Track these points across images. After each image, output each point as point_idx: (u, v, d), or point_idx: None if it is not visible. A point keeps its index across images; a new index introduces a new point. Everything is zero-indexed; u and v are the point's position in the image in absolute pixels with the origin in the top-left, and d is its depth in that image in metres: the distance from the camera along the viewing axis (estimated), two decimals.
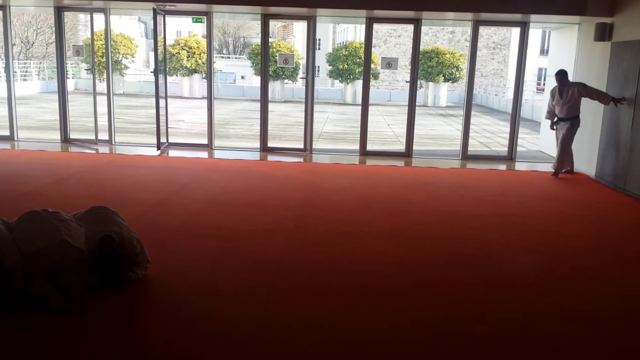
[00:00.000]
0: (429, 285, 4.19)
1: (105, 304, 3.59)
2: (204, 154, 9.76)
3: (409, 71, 10.26)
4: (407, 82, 10.29)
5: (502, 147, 12.40)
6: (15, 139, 10.45)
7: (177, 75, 28.62)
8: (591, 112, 8.76)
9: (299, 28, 45.58)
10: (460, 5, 8.95)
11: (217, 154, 9.79)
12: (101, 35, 14.05)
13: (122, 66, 29.14)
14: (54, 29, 10.56)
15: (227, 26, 52.52)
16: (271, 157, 9.69)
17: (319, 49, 38.39)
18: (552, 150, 10.41)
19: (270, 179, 7.83)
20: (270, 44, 10.28)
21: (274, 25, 46.81)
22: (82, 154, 9.45)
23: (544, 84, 18.52)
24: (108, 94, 10.33)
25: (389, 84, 36.63)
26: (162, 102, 9.82)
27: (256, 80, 30.90)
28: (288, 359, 3.07)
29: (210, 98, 10.31)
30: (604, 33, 8.58)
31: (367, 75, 10.20)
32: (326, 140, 13.28)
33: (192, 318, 3.47)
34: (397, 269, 4.49)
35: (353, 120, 17.88)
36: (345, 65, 28.70)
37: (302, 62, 24.60)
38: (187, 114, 18.57)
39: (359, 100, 10.96)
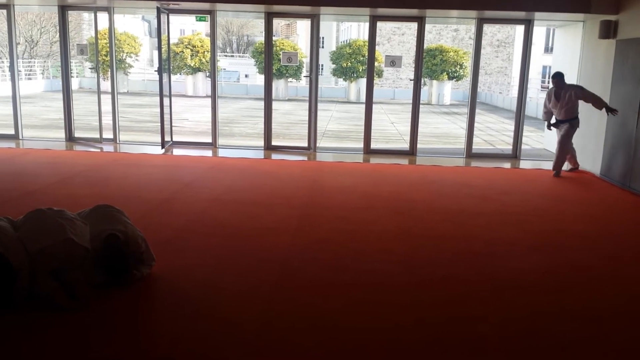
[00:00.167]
0: (433, 284, 4.19)
1: (110, 303, 3.60)
2: (208, 153, 9.77)
3: (413, 69, 10.25)
4: (411, 80, 10.28)
5: (506, 145, 12.38)
6: (20, 137, 10.49)
7: (181, 74, 28.66)
8: (596, 110, 8.73)
9: (303, 26, 45.57)
10: (464, 3, 8.93)
11: (221, 153, 9.80)
12: (105, 34, 14.09)
13: (126, 65, 29.20)
14: (58, 27, 10.58)
15: (230, 25, 52.51)
16: (275, 156, 9.69)
17: (323, 47, 38.37)
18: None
19: (274, 178, 7.83)
20: (274, 43, 10.27)
21: (278, 23, 46.80)
22: (87, 153, 9.48)
23: (548, 82, 18.47)
24: (112, 93, 10.34)
25: (392, 82, 36.57)
26: (166, 101, 9.83)
27: (260, 79, 30.93)
28: (291, 358, 3.07)
29: (214, 96, 10.32)
30: (608, 30, 8.54)
31: (371, 73, 10.19)
32: (330, 139, 13.27)
33: (196, 317, 3.48)
34: (402, 267, 4.49)
35: (357, 118, 17.86)
36: (349, 64, 28.67)
37: (306, 60, 24.60)
38: (191, 113, 18.59)
39: (363, 98, 10.95)
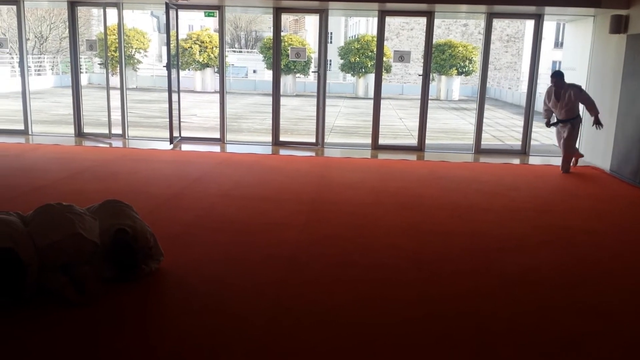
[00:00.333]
0: (441, 279, 4.18)
1: (118, 297, 3.62)
2: (216, 148, 9.79)
3: (422, 64, 10.21)
4: (419, 75, 10.24)
5: (515, 141, 12.31)
6: (30, 133, 10.55)
7: (189, 70, 28.67)
8: (607, 106, 8.66)
9: (311, 21, 45.47)
10: None
11: (230, 148, 9.81)
12: (114, 29, 14.12)
13: (135, 60, 29.24)
14: (67, 23, 10.62)
15: (239, 20, 52.49)
16: (283, 151, 9.69)
17: (331, 42, 38.31)
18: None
19: (282, 173, 7.83)
20: (282, 38, 10.27)
21: (286, 19, 46.72)
22: (96, 148, 9.52)
23: None
24: (121, 89, 10.38)
25: (401, 78, 36.45)
26: (174, 97, 9.84)
27: (268, 74, 30.93)
28: (299, 354, 3.08)
29: (222, 92, 10.33)
30: (619, 25, 8.46)
31: (380, 68, 10.15)
32: (338, 134, 13.26)
33: (204, 312, 3.49)
34: (410, 262, 4.49)
35: (365, 114, 17.82)
36: (357, 59, 28.60)
37: (314, 55, 24.55)
38: (200, 108, 18.62)
39: (371, 94, 10.92)
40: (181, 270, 4.11)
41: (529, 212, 6.15)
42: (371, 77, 25.46)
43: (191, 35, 29.08)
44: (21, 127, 10.62)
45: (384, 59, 10.43)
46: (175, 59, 10.13)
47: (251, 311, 3.52)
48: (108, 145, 9.76)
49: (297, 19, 49.24)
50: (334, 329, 3.34)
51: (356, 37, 32.75)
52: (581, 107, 8.42)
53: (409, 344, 3.20)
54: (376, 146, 10.18)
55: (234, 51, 46.08)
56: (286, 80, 27.39)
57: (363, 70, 28.63)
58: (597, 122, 8.03)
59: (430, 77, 10.09)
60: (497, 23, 31.95)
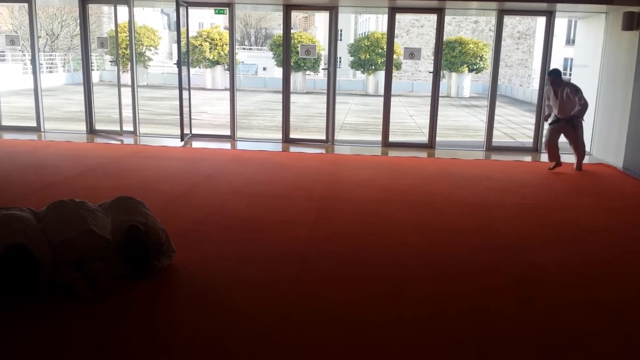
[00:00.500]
0: (450, 277, 4.16)
1: (130, 294, 3.64)
2: (226, 145, 9.82)
3: (432, 61, 10.17)
4: (430, 72, 10.20)
5: (527, 139, 12.24)
6: (42, 130, 10.62)
7: (199, 67, 28.76)
8: (619, 103, 8.60)
9: (321, 19, 45.44)
10: None
11: (240, 145, 9.83)
12: (125, 27, 14.18)
13: (146, 58, 29.37)
14: (78, 21, 10.68)
15: (249, 17, 52.54)
16: (293, 149, 9.70)
17: (341, 39, 38.21)
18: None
19: (292, 171, 7.84)
20: (292, 35, 10.27)
21: (296, 16, 46.72)
22: (108, 145, 9.57)
23: (570, 75, 18.22)
24: (132, 86, 10.43)
25: (411, 75, 36.35)
26: (185, 94, 9.88)
27: (278, 72, 30.90)
28: (310, 351, 3.08)
29: (232, 89, 10.35)
30: (631, 22, 8.38)
31: (390, 65, 10.13)
32: (348, 132, 13.25)
33: (215, 309, 3.50)
34: (420, 260, 4.48)
35: (375, 111, 17.80)
36: (367, 56, 28.55)
37: (324, 53, 24.50)
38: (210, 106, 18.68)
39: (381, 91, 10.90)
40: (192, 267, 4.13)
41: (540, 210, 6.12)
42: (381, 74, 25.40)
43: (201, 32, 29.18)
44: (33, 124, 10.70)
45: (394, 56, 10.40)
46: (186, 57, 10.17)
47: (262, 308, 3.53)
48: (119, 142, 9.81)
49: (306, 16, 49.22)
50: (344, 326, 3.34)
51: (366, 34, 32.67)
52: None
53: (418, 342, 3.19)
54: (386, 143, 10.17)
55: (244, 48, 46.12)
56: (296, 78, 27.41)
57: (373, 67, 28.58)
58: (569, 119, 7.92)
59: (441, 74, 10.05)
60: (508, 20, 31.76)
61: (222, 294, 3.73)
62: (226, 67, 27.16)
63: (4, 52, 24.30)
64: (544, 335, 3.32)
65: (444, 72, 28.88)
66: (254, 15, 52.19)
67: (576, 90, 7.96)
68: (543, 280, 4.17)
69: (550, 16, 9.59)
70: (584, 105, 7.92)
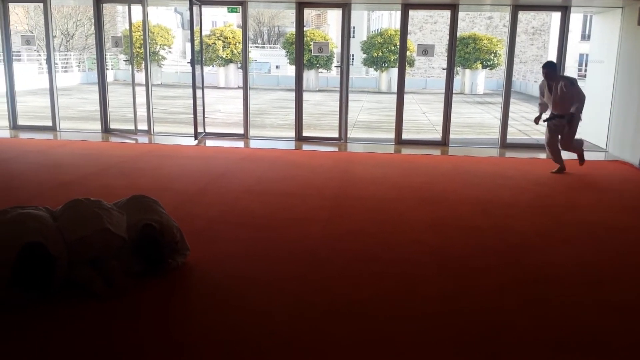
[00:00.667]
0: (464, 275, 4.14)
1: (145, 292, 3.67)
2: (240, 144, 9.85)
3: (446, 58, 10.12)
4: (443, 69, 10.15)
5: (542, 135, 12.12)
6: (58, 129, 10.74)
7: (213, 66, 28.86)
8: (635, 98, 8.49)
9: (333, 16, 45.35)
10: None
11: (253, 144, 9.86)
12: (139, 26, 14.27)
13: (160, 57, 29.53)
14: (93, 20, 10.77)
15: (261, 15, 52.63)
16: (306, 147, 9.71)
17: (354, 37, 38.15)
18: (594, 138, 10.16)
19: (305, 169, 7.85)
20: (304, 33, 10.27)
21: (308, 13, 46.70)
22: (122, 144, 9.64)
23: (585, 71, 18.04)
24: (146, 85, 10.50)
25: (424, 72, 36.19)
26: (199, 93, 9.93)
27: (291, 70, 30.93)
28: (321, 349, 3.09)
29: (245, 88, 10.38)
30: None
31: (403, 62, 10.09)
32: (361, 129, 13.23)
33: (228, 307, 3.52)
34: (432, 258, 4.46)
35: (388, 108, 17.75)
36: (380, 53, 28.47)
37: (337, 50, 24.46)
38: (223, 104, 18.75)
39: (394, 88, 10.86)
40: (205, 265, 4.15)
41: (555, 208, 6.07)
42: (394, 71, 25.31)
43: (214, 31, 29.25)
44: (49, 123, 10.82)
45: (407, 52, 10.36)
46: (199, 55, 10.21)
47: (274, 306, 3.54)
48: (134, 141, 9.88)
49: (319, 13, 49.18)
50: (356, 323, 3.35)
51: (379, 31, 32.56)
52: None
53: (430, 340, 3.19)
54: (399, 141, 10.14)
55: (257, 47, 46.23)
56: (309, 76, 27.40)
57: (386, 64, 28.49)
58: (569, 121, 7.34)
59: (455, 71, 10.00)
60: (522, 15, 31.45)
61: (235, 291, 3.75)
62: (239, 65, 27.24)
63: (19, 52, 24.54)
64: (559, 333, 3.30)
65: (458, 68, 28.72)
66: (266, 13, 52.26)
67: (572, 83, 7.40)
68: (558, 278, 4.14)
69: (565, 11, 9.50)
70: (581, 100, 7.32)
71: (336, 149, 9.61)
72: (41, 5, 10.44)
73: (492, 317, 3.49)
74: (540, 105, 7.93)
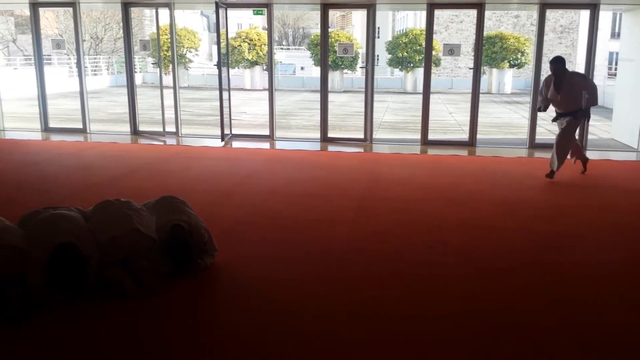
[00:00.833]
0: (490, 276, 4.11)
1: (174, 292, 3.72)
2: (265, 145, 9.90)
3: (472, 58, 10.03)
4: (470, 68, 10.06)
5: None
6: (88, 131, 10.93)
7: (238, 68, 29.04)
8: None
9: (358, 17, 45.27)
10: None
11: (279, 145, 9.90)
12: (166, 29, 14.45)
13: (187, 60, 29.83)
14: (121, 24, 10.94)
15: (286, 17, 52.83)
16: (331, 148, 9.71)
17: (379, 37, 38.04)
18: (625, 137, 9.97)
19: (330, 170, 7.86)
20: (329, 34, 10.28)
21: (333, 14, 46.72)
22: (151, 146, 9.78)
23: (615, 69, 17.70)
24: (174, 87, 10.63)
25: (450, 71, 35.91)
26: (225, 95, 10.01)
27: (315, 71, 30.97)
28: (348, 349, 3.09)
29: (271, 89, 10.43)
30: None
31: (429, 62, 10.03)
32: (386, 130, 13.18)
33: (255, 308, 3.55)
34: (459, 258, 4.43)
35: (414, 109, 17.65)
36: (405, 53, 28.32)
37: (362, 51, 24.42)
38: (249, 106, 18.85)
39: (420, 88, 10.80)
40: (233, 266, 4.19)
41: (585, 209, 5.97)
42: (419, 71, 25.17)
43: (240, 33, 29.44)
44: (79, 125, 11.02)
45: (433, 52, 10.29)
46: (225, 58, 10.29)
47: (301, 307, 3.56)
48: (162, 143, 10.01)
49: (344, 14, 49.16)
50: (383, 323, 3.34)
51: (404, 31, 32.40)
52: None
53: (456, 340, 3.17)
54: (425, 142, 10.07)
55: (282, 48, 46.39)
56: (334, 77, 27.39)
57: (411, 64, 28.32)
58: (586, 115, 7.07)
59: (482, 70, 9.90)
60: (550, 14, 30.97)
61: (262, 292, 3.78)
62: (264, 67, 27.38)
63: (50, 55, 25.06)
64: (584, 334, 3.26)
65: (485, 68, 28.41)
66: (291, 14, 52.43)
67: (584, 78, 7.18)
68: (584, 278, 4.09)
69: (594, 9, 9.33)
70: (594, 91, 7.00)
71: (361, 150, 9.60)
72: (71, 9, 10.65)
73: (517, 317, 3.46)
74: (541, 101, 7.42)
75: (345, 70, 28.78)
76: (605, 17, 27.44)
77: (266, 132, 10.60)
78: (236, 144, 9.99)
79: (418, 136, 10.28)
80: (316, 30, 35.49)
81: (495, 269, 4.23)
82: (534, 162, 8.76)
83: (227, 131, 10.19)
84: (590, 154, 9.26)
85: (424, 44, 10.85)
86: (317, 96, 10.47)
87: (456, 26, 37.61)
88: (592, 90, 7.00)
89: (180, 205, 4.18)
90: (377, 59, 31.43)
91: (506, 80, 28.89)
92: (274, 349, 3.08)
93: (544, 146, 9.99)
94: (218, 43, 9.85)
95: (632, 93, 9.60)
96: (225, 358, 3.01)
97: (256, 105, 18.66)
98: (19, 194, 6.25)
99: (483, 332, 3.27)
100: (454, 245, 4.74)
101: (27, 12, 11.30)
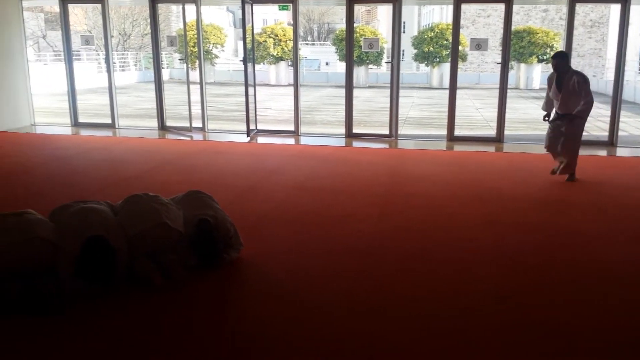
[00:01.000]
0: (518, 273, 4.07)
1: (201, 285, 3.77)
2: (290, 141, 9.93)
3: (499, 52, 9.90)
4: (497, 63, 9.94)
5: (601, 132, 11.71)
6: (117, 126, 11.10)
7: (264, 63, 29.14)
8: None
9: (384, 11, 45.05)
10: None
11: (304, 141, 9.92)
12: (193, 25, 14.55)
13: (213, 55, 30.03)
14: (148, 20, 11.06)
15: (311, 13, 52.79)
16: (356, 143, 9.70)
17: (404, 32, 37.77)
18: None
19: (355, 165, 7.85)
20: (354, 29, 10.25)
21: (358, 9, 46.52)
22: (178, 141, 9.88)
23: None
24: (200, 83, 10.72)
25: (477, 66, 35.50)
26: (250, 90, 10.07)
27: (340, 66, 30.92)
28: (375, 344, 3.10)
29: (296, 85, 10.45)
30: None
31: (455, 57, 9.93)
32: (412, 126, 13.11)
33: (280, 302, 3.58)
34: (485, 256, 4.40)
35: (440, 104, 17.50)
36: (431, 48, 28.08)
37: (387, 46, 24.30)
38: (274, 101, 18.92)
39: (446, 84, 10.72)
40: (258, 260, 4.22)
41: (615, 208, 5.86)
42: (446, 66, 24.93)
43: (266, 29, 29.52)
44: (108, 121, 11.20)
45: (460, 47, 10.19)
46: (251, 53, 10.34)
47: (326, 302, 3.58)
48: (189, 139, 10.11)
49: (369, 9, 48.95)
50: (409, 320, 3.34)
51: (430, 25, 32.11)
52: None
53: (484, 337, 3.15)
54: (452, 137, 9.99)
55: (307, 44, 46.40)
56: (359, 72, 27.28)
57: (437, 59, 28.07)
58: (572, 117, 6.49)
59: (509, 65, 9.77)
60: (580, 8, 30.36)
61: (287, 287, 3.81)
62: (290, 62, 27.42)
63: (79, 51, 25.49)
64: (615, 332, 3.20)
65: (512, 63, 28.01)
66: (316, 10, 52.36)
67: (585, 81, 6.45)
68: (614, 276, 4.04)
69: (625, 3, 9.14)
70: (589, 103, 6.41)
71: (387, 145, 9.57)
72: (99, 5, 10.80)
73: (546, 313, 3.43)
74: (545, 103, 7.11)
75: (370, 66, 28.66)
76: (636, 11, 26.85)
77: (291, 127, 10.63)
78: (261, 140, 10.04)
79: (444, 132, 10.21)
80: (341, 26, 35.41)
81: (524, 267, 4.19)
82: None
83: (252, 127, 10.25)
84: (621, 151, 9.11)
85: (450, 38, 10.74)
86: (342, 92, 10.46)
87: (483, 20, 37.17)
88: (586, 96, 6.42)
89: (207, 199, 4.23)
90: (403, 54, 31.24)
91: (534, 75, 28.45)
92: (301, 343, 3.10)
93: None
94: (244, 39, 9.90)
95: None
96: (252, 348, 3.04)
97: (281, 101, 18.72)
98: (50, 188, 6.39)
99: (513, 330, 3.24)
100: (480, 242, 4.70)
101: (56, 8, 11.50)
